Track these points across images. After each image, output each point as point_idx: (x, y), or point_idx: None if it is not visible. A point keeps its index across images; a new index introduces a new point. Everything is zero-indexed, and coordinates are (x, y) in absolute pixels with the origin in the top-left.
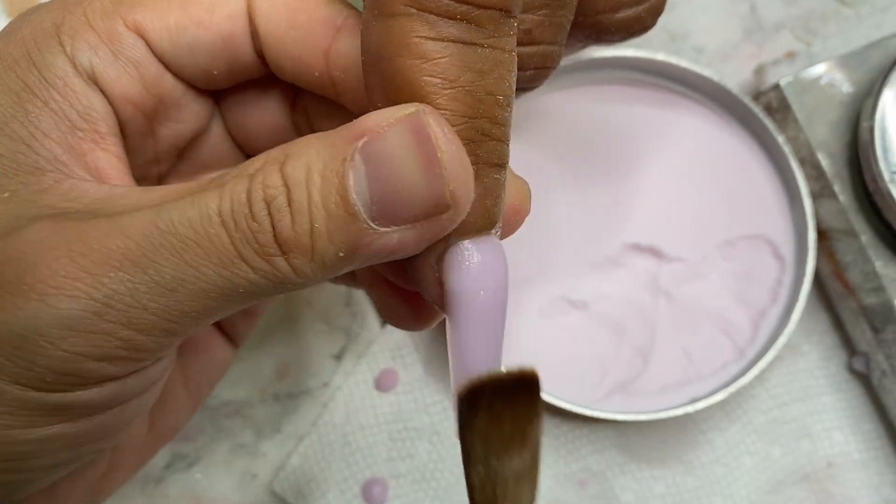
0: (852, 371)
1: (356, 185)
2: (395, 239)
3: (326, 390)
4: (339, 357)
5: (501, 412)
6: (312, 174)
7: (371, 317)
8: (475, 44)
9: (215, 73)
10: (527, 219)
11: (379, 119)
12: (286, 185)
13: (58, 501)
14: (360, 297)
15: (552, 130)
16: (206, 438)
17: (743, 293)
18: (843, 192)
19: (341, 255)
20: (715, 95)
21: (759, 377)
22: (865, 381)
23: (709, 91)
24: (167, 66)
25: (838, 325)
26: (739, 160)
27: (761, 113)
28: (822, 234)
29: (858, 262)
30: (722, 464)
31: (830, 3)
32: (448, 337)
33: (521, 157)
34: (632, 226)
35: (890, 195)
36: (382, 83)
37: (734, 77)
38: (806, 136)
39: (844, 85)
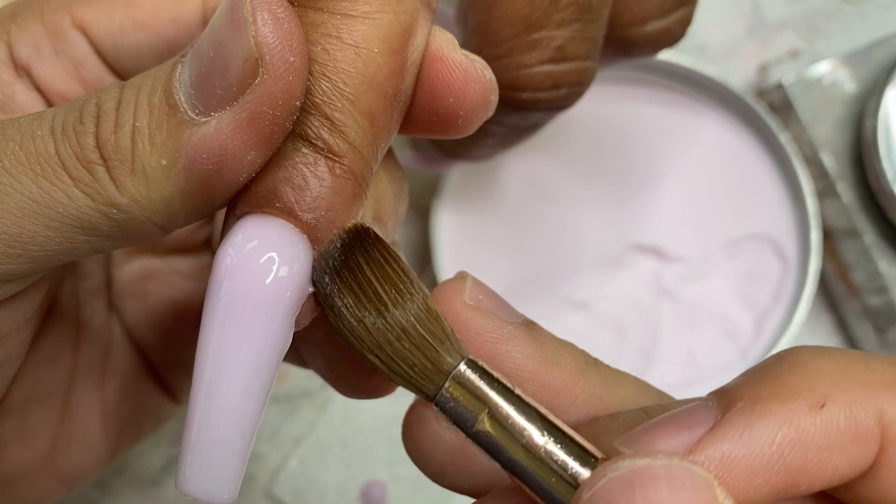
0: None
1: (180, 75)
2: (212, 129)
3: (325, 392)
4: None
5: (360, 264)
6: (147, 77)
7: None
8: (302, 5)
9: None
10: (528, 219)
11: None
12: (120, 90)
13: None
14: None
15: (552, 130)
16: None
17: (746, 293)
18: (846, 192)
19: (164, 162)
20: (718, 94)
21: None
22: None
23: (712, 89)
24: (111, 68)
25: (842, 325)
26: (742, 159)
27: (764, 111)
28: (825, 234)
29: (862, 262)
30: None
31: (834, 1)
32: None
33: (522, 158)
34: (634, 225)
35: (893, 194)
36: None
37: (737, 75)
38: (809, 134)
39: (848, 83)
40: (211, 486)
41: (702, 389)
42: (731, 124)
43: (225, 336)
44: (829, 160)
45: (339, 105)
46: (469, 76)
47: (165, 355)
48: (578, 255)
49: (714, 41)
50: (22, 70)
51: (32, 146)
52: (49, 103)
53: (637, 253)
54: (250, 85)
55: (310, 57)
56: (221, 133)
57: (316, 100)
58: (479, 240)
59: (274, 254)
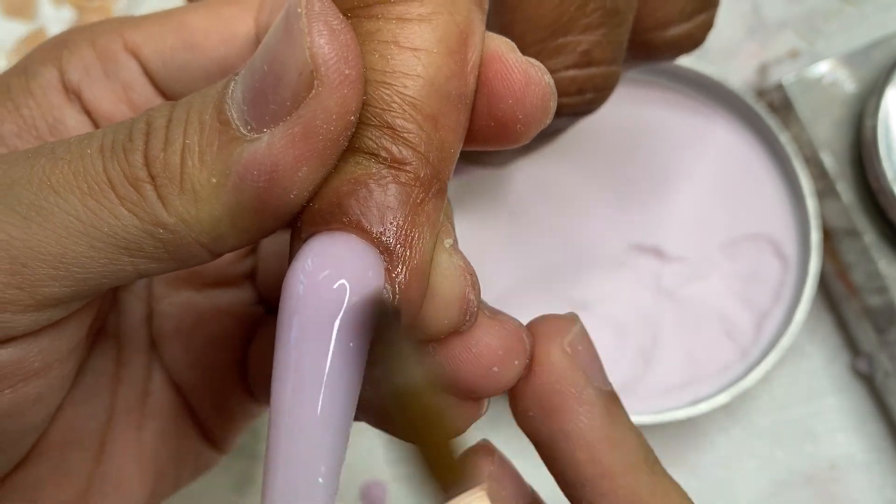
0: (856, 372)
1: (234, 91)
2: (263, 144)
3: None
4: None
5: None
6: (198, 95)
7: None
8: (356, 16)
9: None
10: (529, 219)
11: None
12: (171, 108)
13: None
14: None
15: None
16: None
17: (746, 294)
18: (846, 192)
19: (213, 180)
20: (718, 94)
21: (762, 379)
22: (869, 382)
23: (711, 90)
24: (161, 91)
25: (842, 325)
26: (742, 159)
27: (764, 112)
28: (825, 234)
29: (862, 263)
30: (724, 465)
31: (834, 1)
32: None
33: (524, 159)
34: (634, 226)
35: (893, 194)
36: None
37: (737, 76)
38: (809, 134)
39: (848, 83)
40: None
41: (702, 390)
42: (730, 124)
43: (299, 356)
44: (828, 160)
45: (400, 111)
46: (529, 78)
47: (206, 399)
48: (579, 255)
49: (714, 41)
50: (72, 94)
51: (81, 164)
52: (97, 126)
53: (637, 253)
54: (304, 98)
55: (367, 66)
56: (273, 149)
57: (375, 109)
58: (481, 239)
59: (345, 281)
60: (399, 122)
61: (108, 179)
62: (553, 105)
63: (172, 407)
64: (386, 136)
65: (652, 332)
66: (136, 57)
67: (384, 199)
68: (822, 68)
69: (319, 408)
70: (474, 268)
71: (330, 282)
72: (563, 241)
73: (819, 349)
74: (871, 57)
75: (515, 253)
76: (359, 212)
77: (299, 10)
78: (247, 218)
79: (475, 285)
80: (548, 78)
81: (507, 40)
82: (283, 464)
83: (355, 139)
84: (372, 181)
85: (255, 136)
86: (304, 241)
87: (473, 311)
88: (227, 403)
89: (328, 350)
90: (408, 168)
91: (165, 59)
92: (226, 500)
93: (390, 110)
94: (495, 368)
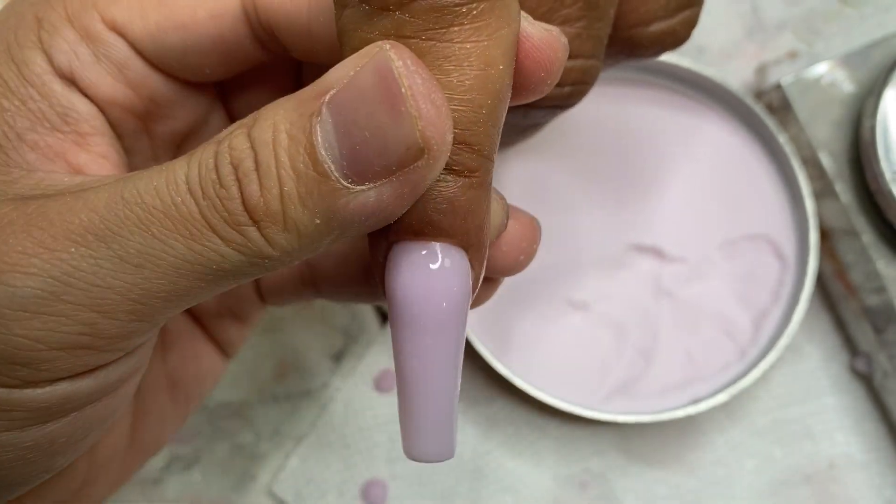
0: (854, 372)
1: (324, 140)
2: (371, 197)
3: (325, 391)
4: (338, 358)
5: None
6: (279, 133)
7: (370, 317)
8: (408, 37)
9: (208, 71)
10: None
11: (345, 67)
12: (253, 148)
13: None
14: None
15: (552, 132)
16: (204, 439)
17: (745, 293)
18: (844, 192)
19: (317, 221)
20: (716, 95)
21: (761, 378)
22: (867, 381)
23: (710, 91)
24: (154, 66)
25: (840, 325)
26: (741, 160)
27: (763, 112)
28: (823, 234)
29: (860, 263)
30: (723, 465)
31: (832, 2)
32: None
33: (523, 159)
34: (633, 226)
35: (891, 195)
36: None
37: (736, 77)
38: (807, 135)
39: (846, 84)
40: (437, 450)
41: (701, 389)
42: (729, 125)
43: (424, 348)
44: (827, 160)
45: (477, 129)
46: (552, 47)
47: (217, 313)
48: (578, 255)
49: (713, 42)
50: (66, 79)
51: (177, 212)
52: (105, 113)
53: (636, 253)
54: (411, 164)
55: (442, 85)
56: (382, 203)
57: (456, 130)
58: None
59: (445, 280)
60: (474, 139)
61: (208, 225)
62: (567, 54)
63: (188, 332)
64: (464, 153)
65: (651, 332)
66: (123, 36)
67: (464, 206)
68: (821, 69)
69: (448, 379)
70: None
71: (438, 288)
72: (562, 241)
73: (818, 349)
74: (869, 58)
75: None
76: (445, 225)
77: (403, 90)
78: (345, 240)
79: (506, 206)
80: (563, 38)
81: (522, 12)
82: (429, 418)
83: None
84: (452, 193)
85: (359, 188)
86: (393, 244)
87: (506, 223)
88: (240, 314)
89: (447, 340)
90: (478, 174)
91: (154, 38)
92: (226, 500)
93: (468, 130)
94: (521, 257)
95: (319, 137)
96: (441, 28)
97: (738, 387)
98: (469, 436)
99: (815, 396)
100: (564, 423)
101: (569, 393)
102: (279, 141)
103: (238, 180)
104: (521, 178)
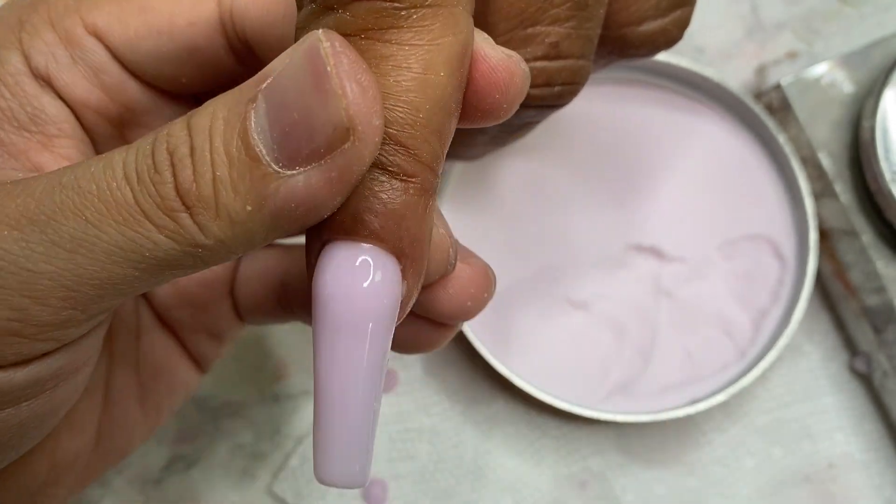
0: (854, 371)
1: (257, 125)
2: (300, 182)
3: None
4: None
5: None
6: (216, 120)
7: None
8: (349, 34)
9: (184, 80)
10: (528, 219)
11: (284, 55)
12: (189, 134)
13: None
14: None
15: (550, 132)
16: (205, 439)
17: (744, 293)
18: (844, 192)
19: (249, 208)
20: (716, 95)
21: (761, 378)
22: (867, 381)
23: (710, 91)
24: (132, 73)
25: (840, 325)
26: (740, 160)
27: (762, 113)
28: (823, 235)
29: (860, 263)
30: (723, 464)
31: (832, 2)
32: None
33: (523, 160)
34: (633, 226)
35: (891, 195)
36: None
37: (735, 77)
38: (807, 135)
39: (846, 84)
40: (347, 474)
41: (700, 389)
42: (729, 125)
43: (340, 352)
44: (826, 161)
45: (413, 132)
46: (511, 73)
47: (193, 329)
48: (578, 255)
49: (712, 43)
50: (42, 80)
51: (111, 197)
52: (77, 115)
53: (636, 253)
54: (339, 147)
55: (381, 87)
56: (311, 188)
57: (391, 130)
58: (480, 240)
59: (369, 281)
60: (411, 141)
61: (141, 211)
62: (527, 84)
63: (163, 344)
64: (399, 154)
65: (651, 332)
66: (101, 41)
67: (398, 210)
68: (821, 69)
69: (362, 394)
70: None
71: (358, 282)
72: (561, 241)
73: (817, 349)
74: (869, 58)
75: (515, 253)
76: (377, 226)
77: (329, 68)
78: (280, 232)
79: (454, 244)
80: (524, 66)
81: (485, 35)
82: (337, 436)
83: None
84: (386, 195)
85: (289, 172)
86: (325, 244)
87: (453, 263)
88: (215, 330)
89: (365, 347)
90: (416, 180)
91: (132, 45)
92: (226, 500)
93: (403, 131)
94: (469, 303)
95: (253, 122)
96: (381, 28)
97: (738, 386)
98: (469, 435)
99: (814, 396)
100: (564, 423)
101: (568, 392)
102: (215, 127)
103: (172, 165)
104: (524, 178)
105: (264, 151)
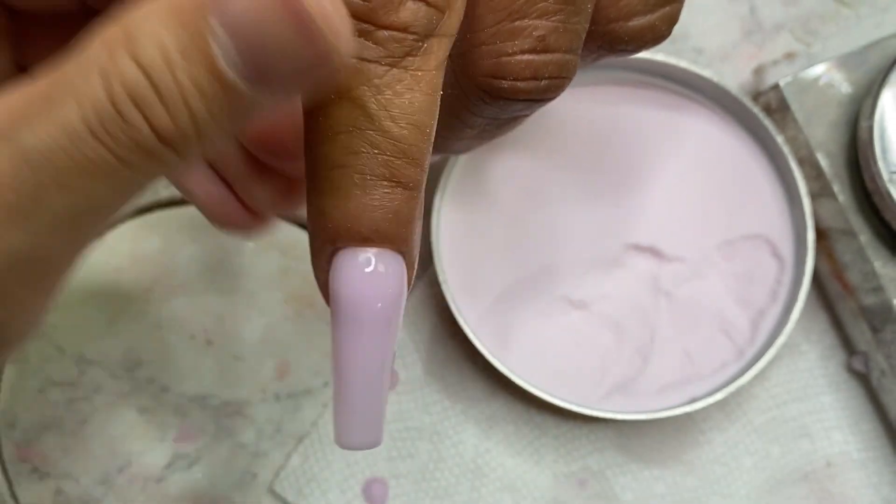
0: (851, 370)
1: (225, 55)
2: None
3: (327, 390)
4: None
5: None
6: (170, 54)
7: None
8: (371, 60)
9: None
10: (527, 219)
11: None
12: (146, 74)
13: None
14: None
15: (550, 132)
16: (206, 438)
17: (742, 293)
18: (842, 192)
19: (229, 128)
20: (714, 96)
21: (759, 377)
22: (865, 380)
23: (708, 92)
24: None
25: (837, 324)
26: (739, 160)
27: (760, 113)
28: (821, 234)
29: (857, 262)
30: (721, 463)
31: (830, 3)
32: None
33: (519, 159)
34: (632, 226)
35: (889, 195)
36: None
37: (733, 78)
38: (805, 136)
39: (843, 85)
40: (366, 439)
41: (699, 388)
42: (727, 126)
43: (361, 341)
44: (824, 161)
45: (421, 146)
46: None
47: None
48: (577, 255)
49: (711, 44)
50: None
51: (90, 163)
52: None
53: (635, 253)
54: (317, 68)
55: (384, 107)
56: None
57: (403, 146)
58: (480, 240)
59: (383, 278)
60: (419, 155)
61: (126, 164)
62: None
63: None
64: (411, 168)
65: (649, 331)
66: None
67: (407, 216)
68: (819, 70)
69: (379, 372)
70: (471, 270)
71: (376, 286)
72: (561, 241)
73: (815, 348)
74: (866, 59)
75: (514, 253)
76: (392, 233)
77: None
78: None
79: None
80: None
81: None
82: (360, 410)
83: (378, 168)
84: (397, 204)
85: (267, 91)
86: (335, 251)
87: None
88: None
89: (381, 333)
90: (413, 185)
91: None
92: (227, 499)
93: (414, 146)
94: None
95: (218, 52)
96: (399, 56)
97: (736, 385)
98: (469, 434)
99: (812, 395)
100: (563, 422)
101: (568, 391)
102: (175, 63)
103: (142, 112)
104: (523, 178)
105: (239, 81)
